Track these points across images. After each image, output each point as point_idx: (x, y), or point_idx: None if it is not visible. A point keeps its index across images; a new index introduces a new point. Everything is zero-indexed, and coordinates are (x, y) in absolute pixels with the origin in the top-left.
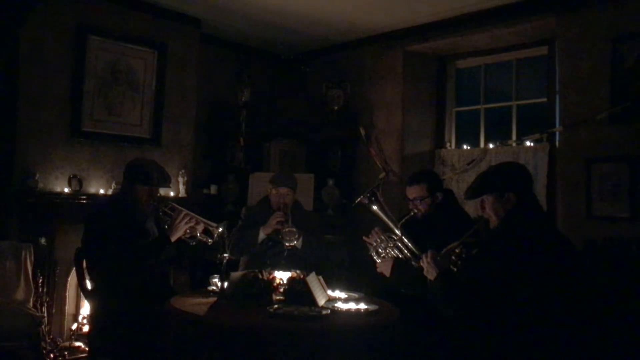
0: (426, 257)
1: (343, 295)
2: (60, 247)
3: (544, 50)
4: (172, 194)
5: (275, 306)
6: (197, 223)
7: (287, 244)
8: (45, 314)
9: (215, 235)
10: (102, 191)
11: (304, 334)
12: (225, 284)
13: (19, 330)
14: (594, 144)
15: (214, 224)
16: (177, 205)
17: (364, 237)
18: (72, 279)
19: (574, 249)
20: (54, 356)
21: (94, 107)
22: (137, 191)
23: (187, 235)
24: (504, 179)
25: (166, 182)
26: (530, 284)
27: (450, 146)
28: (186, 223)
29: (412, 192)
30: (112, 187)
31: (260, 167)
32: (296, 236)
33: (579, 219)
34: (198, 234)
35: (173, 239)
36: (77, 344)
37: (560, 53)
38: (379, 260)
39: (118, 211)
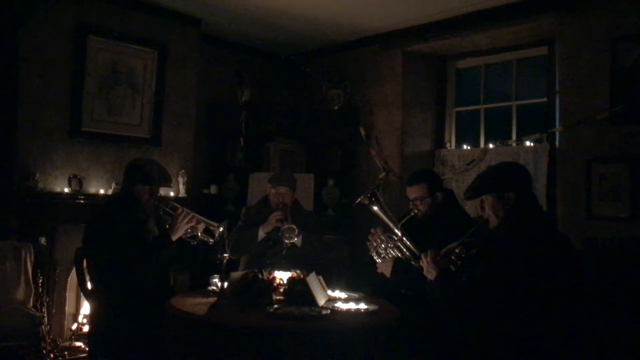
0: (426, 257)
1: (343, 295)
2: (60, 247)
3: (544, 50)
4: (172, 193)
5: (275, 306)
6: (198, 222)
7: (287, 241)
8: (45, 314)
9: (216, 234)
10: (102, 191)
11: (304, 334)
12: (225, 284)
13: (19, 330)
14: (594, 144)
15: (215, 224)
16: (177, 205)
17: (367, 242)
18: (72, 279)
19: (573, 248)
20: (54, 356)
21: (94, 107)
22: (137, 191)
23: (188, 235)
24: (503, 179)
25: (167, 181)
26: (529, 284)
27: (450, 146)
28: (187, 222)
29: (413, 192)
30: (112, 187)
31: (260, 167)
32: (296, 233)
33: (579, 219)
34: (199, 234)
35: (174, 238)
36: (77, 344)
37: (560, 53)
38: (379, 260)
39: (119, 211)
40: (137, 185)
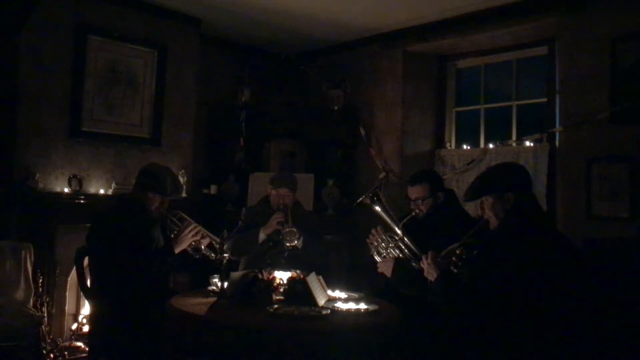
0: (426, 258)
1: (343, 295)
2: (60, 247)
3: (544, 50)
4: None
5: (275, 306)
6: (203, 237)
7: (287, 244)
8: (45, 314)
9: (219, 251)
10: (102, 191)
11: (304, 334)
12: (225, 284)
13: (19, 330)
14: (594, 144)
15: (218, 239)
16: (185, 216)
17: (367, 240)
18: (72, 279)
19: (573, 248)
20: (54, 356)
21: (94, 107)
22: (147, 198)
23: (192, 248)
24: (502, 180)
25: (178, 192)
26: (530, 284)
27: (450, 146)
28: (193, 236)
29: (414, 192)
30: (112, 187)
31: (260, 167)
32: (297, 236)
33: (579, 219)
34: (202, 247)
35: (177, 250)
36: (77, 344)
37: (560, 53)
38: (380, 260)
39: (126, 214)
40: (149, 193)
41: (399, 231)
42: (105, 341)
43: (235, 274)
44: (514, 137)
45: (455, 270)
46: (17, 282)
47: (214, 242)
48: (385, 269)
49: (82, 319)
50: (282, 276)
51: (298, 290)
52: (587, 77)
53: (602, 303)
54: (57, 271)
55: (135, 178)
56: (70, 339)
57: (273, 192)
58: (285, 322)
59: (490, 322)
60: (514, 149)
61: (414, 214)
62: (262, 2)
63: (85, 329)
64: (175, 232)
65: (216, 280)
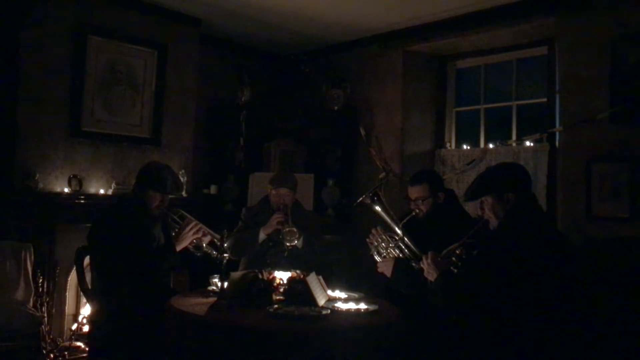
0: (426, 258)
1: (343, 295)
2: (60, 247)
3: (544, 50)
4: None
5: (275, 306)
6: (205, 234)
7: (287, 243)
8: (45, 314)
9: (220, 248)
10: (102, 191)
11: (304, 334)
12: (225, 284)
13: (19, 330)
14: (594, 144)
15: (219, 236)
16: (186, 214)
17: (367, 240)
18: (72, 279)
19: (573, 248)
20: (54, 356)
21: (94, 107)
22: (148, 196)
23: (193, 245)
24: (502, 180)
25: (179, 190)
26: (529, 284)
27: (450, 146)
28: (194, 234)
29: (414, 192)
30: (112, 187)
31: (260, 167)
32: (297, 236)
33: (579, 219)
34: (204, 245)
35: (178, 248)
36: (77, 344)
37: (560, 53)
38: (380, 260)
39: (127, 213)
40: (149, 191)
41: (399, 231)
42: (105, 341)
43: (235, 274)
44: (514, 137)
45: (455, 270)
46: (17, 282)
47: (215, 240)
48: (385, 269)
49: (82, 319)
50: (282, 276)
51: (298, 290)
52: (587, 77)
53: (602, 303)
54: (57, 271)
55: (135, 177)
56: (70, 339)
57: (273, 192)
58: (285, 322)
59: (489, 322)
60: (514, 149)
61: (414, 214)
62: (262, 2)
63: (85, 329)
64: (177, 230)
65: (216, 280)
